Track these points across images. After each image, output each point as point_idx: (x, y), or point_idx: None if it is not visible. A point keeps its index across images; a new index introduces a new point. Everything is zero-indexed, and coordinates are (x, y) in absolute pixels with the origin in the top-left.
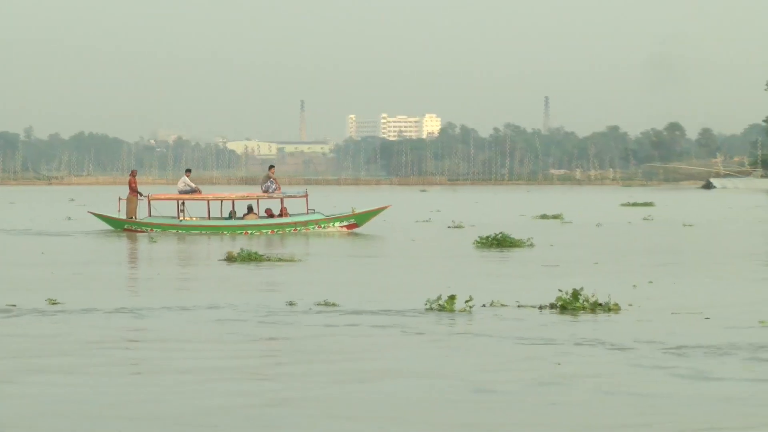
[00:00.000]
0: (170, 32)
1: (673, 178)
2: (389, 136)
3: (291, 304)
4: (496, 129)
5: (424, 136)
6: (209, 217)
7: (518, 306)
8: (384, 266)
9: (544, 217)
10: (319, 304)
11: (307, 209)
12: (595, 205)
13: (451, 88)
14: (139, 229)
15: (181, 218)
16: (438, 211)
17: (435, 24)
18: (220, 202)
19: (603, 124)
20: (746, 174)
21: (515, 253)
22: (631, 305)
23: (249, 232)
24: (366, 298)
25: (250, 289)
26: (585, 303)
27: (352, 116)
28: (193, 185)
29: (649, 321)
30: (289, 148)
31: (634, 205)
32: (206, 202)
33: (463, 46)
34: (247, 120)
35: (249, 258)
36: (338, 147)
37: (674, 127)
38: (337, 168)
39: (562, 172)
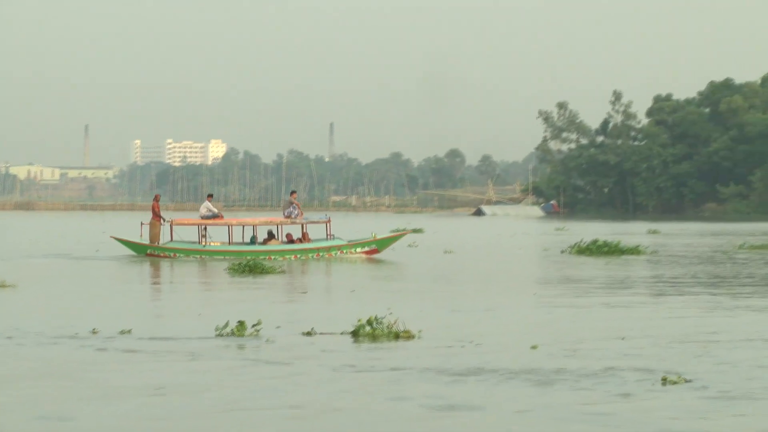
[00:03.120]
0: None
1: (447, 205)
2: (174, 161)
3: (93, 331)
4: (279, 155)
5: (210, 162)
6: (231, 242)
7: (307, 333)
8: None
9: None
10: (122, 332)
11: (328, 235)
12: (366, 232)
13: (237, 113)
14: (162, 254)
15: (203, 243)
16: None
17: (221, 48)
18: (242, 227)
19: (387, 151)
20: (517, 201)
21: (268, 279)
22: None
23: (272, 257)
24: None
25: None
26: (382, 329)
27: (138, 141)
28: (215, 210)
29: (426, 348)
30: (72, 173)
31: (411, 231)
32: (228, 227)
33: (248, 71)
34: (31, 145)
35: None
36: (123, 172)
37: (454, 154)
38: (117, 194)
39: (340, 198)
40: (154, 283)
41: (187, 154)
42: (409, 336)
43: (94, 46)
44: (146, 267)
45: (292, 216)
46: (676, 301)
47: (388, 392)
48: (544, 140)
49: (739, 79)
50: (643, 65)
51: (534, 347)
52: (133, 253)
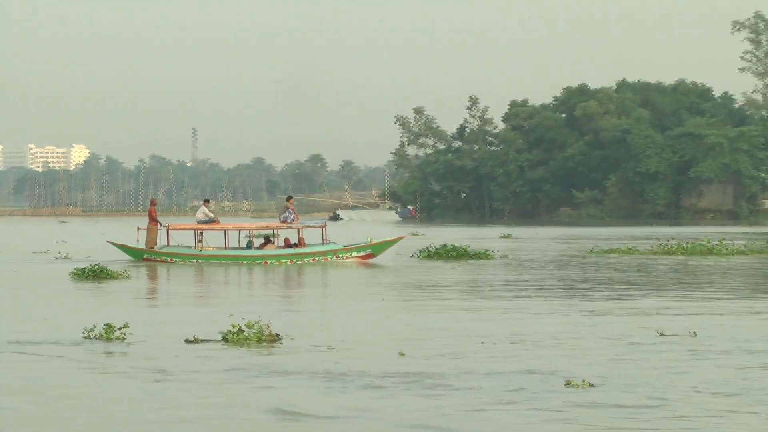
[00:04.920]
0: None
1: (306, 210)
2: (37, 166)
3: None
4: (141, 160)
5: (72, 167)
6: (227, 247)
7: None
8: None
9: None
10: None
11: (323, 239)
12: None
13: (101, 118)
14: (158, 259)
15: (199, 248)
16: (65, 242)
17: (86, 50)
18: (238, 232)
19: (249, 156)
20: (375, 206)
21: (110, 284)
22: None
23: (269, 261)
24: None
25: None
26: (252, 334)
27: (0, 146)
28: (211, 215)
29: (298, 352)
30: None
31: (258, 236)
32: (224, 232)
33: (112, 74)
34: None
35: None
36: None
37: (316, 159)
38: None
39: (199, 203)
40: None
41: (50, 159)
42: (273, 339)
43: None
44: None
45: (288, 221)
46: (525, 304)
47: (231, 395)
48: (401, 145)
49: (594, 84)
50: (500, 71)
51: (402, 354)
52: (129, 258)
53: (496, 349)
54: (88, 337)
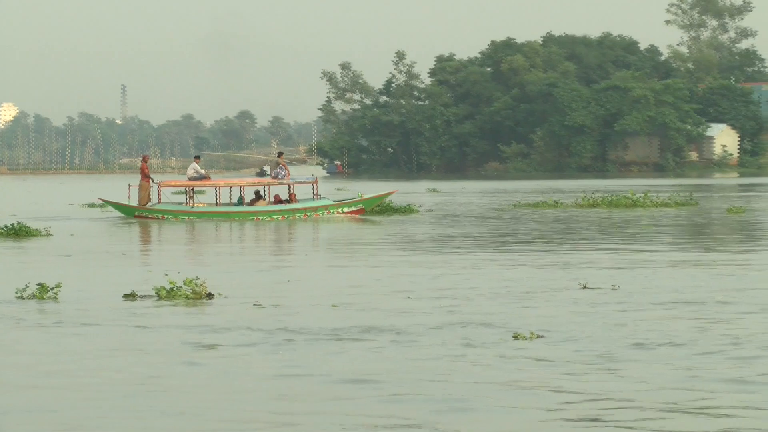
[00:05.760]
0: None
1: (234, 167)
2: None
3: None
4: (70, 118)
5: (1, 125)
6: (218, 204)
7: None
8: None
9: (92, 205)
10: None
11: (314, 195)
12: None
13: (29, 75)
14: (150, 216)
15: (191, 205)
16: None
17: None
18: (229, 188)
19: (179, 113)
20: (302, 162)
21: (32, 243)
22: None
23: (260, 218)
24: None
25: None
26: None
27: None
28: (203, 172)
29: (237, 308)
30: None
31: (178, 193)
32: (215, 188)
33: (41, 31)
34: None
35: None
36: None
37: (245, 116)
38: None
39: (128, 161)
40: None
41: None
42: (203, 296)
43: None
44: None
45: (279, 177)
46: (449, 259)
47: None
48: (328, 101)
49: (520, 38)
50: (426, 25)
51: (335, 306)
52: (121, 215)
53: (430, 304)
54: (21, 297)
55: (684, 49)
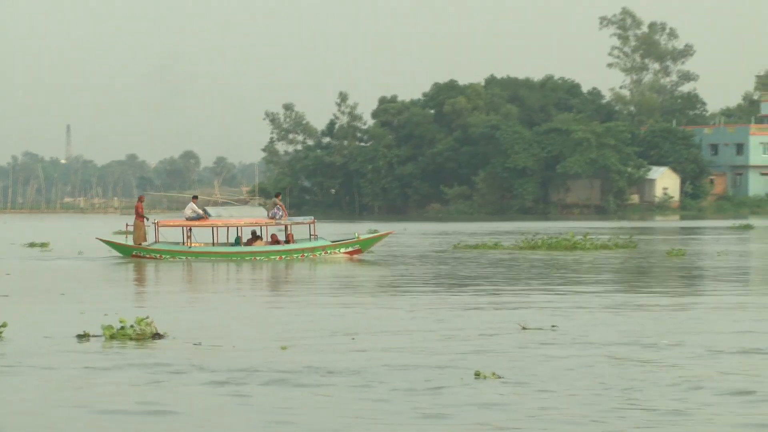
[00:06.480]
0: None
1: (176, 207)
2: None
3: None
4: (14, 157)
5: None
6: (216, 243)
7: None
8: None
9: (32, 245)
10: None
11: (310, 236)
12: (91, 233)
13: None
14: (147, 255)
15: (188, 244)
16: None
17: None
18: (226, 228)
19: (123, 153)
20: (244, 202)
21: None
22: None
23: (257, 258)
24: None
25: None
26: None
27: None
28: (200, 211)
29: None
30: None
31: (127, 233)
32: (213, 228)
33: None
34: None
35: None
36: None
37: (189, 155)
38: None
39: (70, 200)
40: None
41: None
42: (153, 337)
43: None
44: None
45: (276, 217)
46: (389, 300)
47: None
48: (271, 141)
49: (463, 80)
50: (369, 67)
51: (284, 348)
52: (118, 254)
53: (373, 345)
54: None
55: (626, 92)
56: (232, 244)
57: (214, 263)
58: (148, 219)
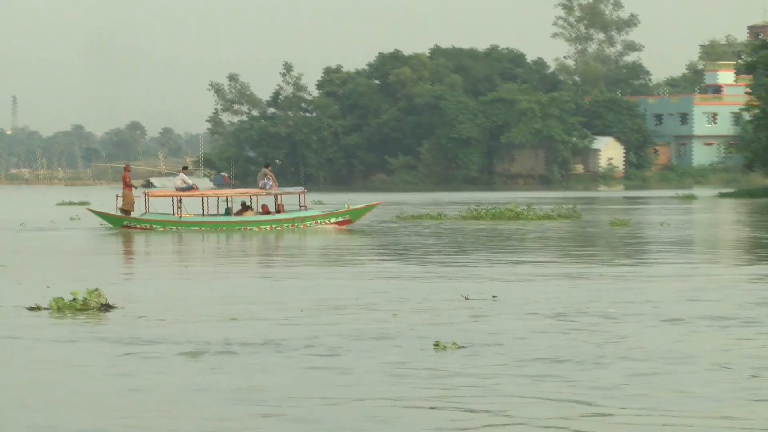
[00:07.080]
0: None
1: (120, 178)
2: None
3: None
4: None
5: None
6: (206, 214)
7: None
8: None
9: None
10: None
11: (300, 206)
12: (34, 205)
13: None
14: (138, 226)
15: (179, 215)
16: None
17: None
18: (216, 198)
19: (69, 124)
20: (190, 173)
21: None
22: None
23: (248, 228)
24: None
25: None
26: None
27: None
28: (190, 182)
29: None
30: None
31: (71, 204)
32: (203, 198)
33: None
34: None
35: None
36: None
37: (135, 126)
38: None
39: (15, 171)
40: None
41: None
42: (101, 308)
43: None
44: None
45: (267, 187)
46: (331, 271)
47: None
48: (216, 112)
49: (408, 50)
50: (313, 37)
51: (234, 318)
52: (109, 225)
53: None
54: None
55: (571, 63)
56: (222, 215)
57: (204, 234)
58: (136, 188)
